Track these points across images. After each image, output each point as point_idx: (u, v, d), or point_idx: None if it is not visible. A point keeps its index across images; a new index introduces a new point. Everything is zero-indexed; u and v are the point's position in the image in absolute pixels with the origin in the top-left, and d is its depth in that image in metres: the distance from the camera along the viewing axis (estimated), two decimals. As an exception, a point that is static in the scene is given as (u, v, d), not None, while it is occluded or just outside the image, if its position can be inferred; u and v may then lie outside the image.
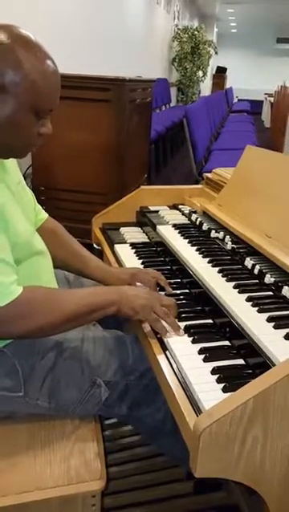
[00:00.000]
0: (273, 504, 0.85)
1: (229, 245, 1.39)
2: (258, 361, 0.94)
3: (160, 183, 4.47)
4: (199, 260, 1.33)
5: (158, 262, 1.46)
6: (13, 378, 1.06)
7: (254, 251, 1.31)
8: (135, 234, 1.66)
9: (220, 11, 14.72)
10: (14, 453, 1.04)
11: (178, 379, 0.92)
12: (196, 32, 10.02)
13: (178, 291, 1.28)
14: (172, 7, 9.42)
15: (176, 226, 1.58)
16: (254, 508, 1.24)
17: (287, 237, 1.26)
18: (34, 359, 1.08)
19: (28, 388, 1.07)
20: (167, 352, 1.01)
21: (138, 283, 1.26)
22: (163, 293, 1.23)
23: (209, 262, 1.31)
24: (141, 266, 1.40)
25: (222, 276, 1.22)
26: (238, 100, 13.98)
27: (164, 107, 7.98)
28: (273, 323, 1.01)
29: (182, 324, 1.09)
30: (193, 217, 1.64)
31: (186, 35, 9.69)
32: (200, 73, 10.26)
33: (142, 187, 1.85)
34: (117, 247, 1.55)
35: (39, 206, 1.33)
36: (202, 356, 0.98)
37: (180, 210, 1.76)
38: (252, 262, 1.26)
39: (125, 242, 1.59)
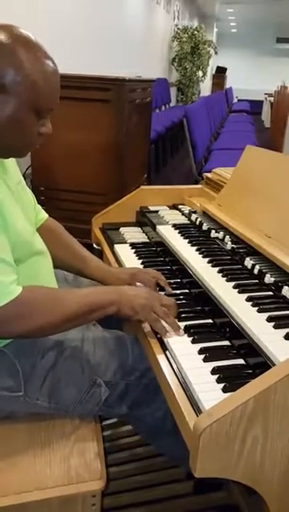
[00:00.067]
0: (273, 504, 0.85)
1: (229, 245, 1.39)
2: (258, 361, 0.94)
3: (159, 183, 4.47)
4: (199, 260, 1.33)
5: (158, 262, 1.46)
6: (13, 378, 1.06)
7: (253, 251, 1.31)
8: (135, 234, 1.66)
9: (220, 11, 14.73)
10: (14, 453, 1.04)
11: (178, 379, 0.92)
12: (196, 32, 10.02)
13: (178, 291, 1.28)
14: (171, 7, 9.42)
15: (176, 226, 1.58)
16: (254, 508, 1.24)
17: (287, 237, 1.26)
18: (34, 359, 1.08)
19: (28, 388, 1.07)
20: (167, 352, 1.01)
21: (138, 283, 1.26)
22: (163, 293, 1.23)
23: (208, 262, 1.31)
24: (141, 266, 1.40)
25: (222, 276, 1.22)
26: (238, 100, 13.97)
27: (163, 107, 7.98)
28: (273, 323, 1.01)
29: (182, 324, 1.09)
30: (193, 217, 1.64)
31: (186, 35, 9.69)
32: (200, 73, 10.26)
33: (142, 187, 1.85)
34: (117, 247, 1.55)
35: (39, 206, 1.33)
36: (202, 356, 0.98)
37: (180, 210, 1.76)
38: (252, 261, 1.26)
39: (125, 242, 1.59)
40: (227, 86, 13.64)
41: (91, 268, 1.31)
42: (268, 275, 1.18)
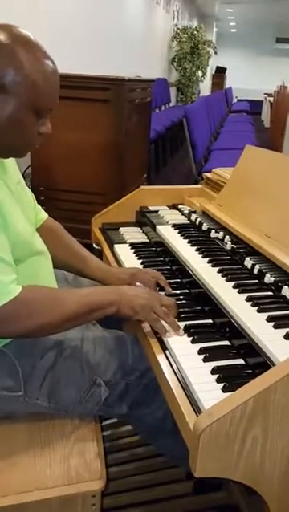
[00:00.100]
0: (273, 504, 0.85)
1: (229, 245, 1.39)
2: (257, 361, 0.94)
3: (159, 183, 4.47)
4: (199, 260, 1.33)
5: (158, 262, 1.46)
6: (13, 378, 1.06)
7: (253, 251, 1.31)
8: (134, 234, 1.66)
9: (219, 11, 14.73)
10: (14, 453, 1.04)
11: (178, 379, 0.92)
12: (195, 32, 10.02)
13: (178, 291, 1.28)
14: (171, 7, 9.42)
15: (175, 226, 1.58)
16: (254, 508, 1.24)
17: (287, 237, 1.26)
18: (34, 359, 1.08)
19: (28, 388, 1.07)
20: (167, 352, 1.01)
21: (138, 283, 1.26)
22: (163, 293, 1.23)
23: (208, 262, 1.31)
24: (141, 266, 1.40)
25: (222, 276, 1.22)
26: (238, 100, 13.97)
27: (163, 107, 7.98)
28: (273, 323, 1.00)
29: (182, 324, 1.09)
30: (193, 217, 1.64)
31: (186, 35, 9.69)
32: (199, 73, 10.26)
33: (142, 187, 1.85)
34: (117, 247, 1.55)
35: (39, 206, 1.33)
36: (202, 356, 0.98)
37: (179, 210, 1.76)
38: (252, 261, 1.26)
39: (125, 242, 1.59)
40: (227, 86, 13.64)
41: (90, 268, 1.30)
42: (268, 275, 1.18)
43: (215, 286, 1.17)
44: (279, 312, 1.05)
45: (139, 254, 1.50)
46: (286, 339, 0.96)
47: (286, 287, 1.12)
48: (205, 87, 12.97)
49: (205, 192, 1.82)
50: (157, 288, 1.26)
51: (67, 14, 3.98)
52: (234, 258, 1.34)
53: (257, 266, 1.23)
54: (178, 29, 9.85)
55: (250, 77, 17.36)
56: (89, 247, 1.46)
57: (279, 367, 0.80)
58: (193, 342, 1.03)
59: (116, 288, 1.13)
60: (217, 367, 0.94)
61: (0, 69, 0.91)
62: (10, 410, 1.11)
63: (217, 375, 0.91)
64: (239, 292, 1.14)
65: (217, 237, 1.46)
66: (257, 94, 13.89)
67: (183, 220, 1.67)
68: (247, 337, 0.98)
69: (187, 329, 1.07)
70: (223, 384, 0.89)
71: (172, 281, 1.32)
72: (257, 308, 1.06)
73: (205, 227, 1.53)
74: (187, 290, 1.29)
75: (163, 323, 1.06)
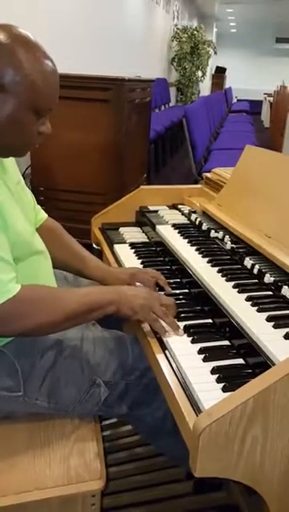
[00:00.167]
0: (273, 504, 0.85)
1: (229, 245, 1.38)
2: (257, 361, 0.94)
3: (159, 183, 4.47)
4: (199, 260, 1.33)
5: (157, 262, 1.46)
6: (12, 377, 1.06)
7: (253, 251, 1.31)
8: (134, 234, 1.66)
9: (219, 11, 14.73)
10: (14, 453, 1.04)
11: (178, 379, 0.92)
12: (195, 32, 10.03)
13: (178, 291, 1.28)
14: (171, 7, 9.42)
15: (175, 226, 1.58)
16: (254, 508, 1.24)
17: (287, 237, 1.26)
18: (33, 359, 1.08)
19: (27, 388, 1.07)
20: (166, 352, 1.01)
21: (137, 283, 1.26)
22: (162, 293, 1.23)
23: (208, 262, 1.31)
24: (141, 266, 1.40)
25: (222, 276, 1.22)
26: (238, 100, 13.98)
27: (163, 107, 7.98)
28: (272, 323, 1.00)
29: (182, 324, 1.09)
30: (193, 216, 1.64)
31: (185, 35, 9.70)
32: (199, 73, 10.27)
33: (141, 187, 1.85)
34: (116, 247, 1.55)
35: (39, 206, 1.33)
36: (202, 356, 0.98)
37: (179, 210, 1.76)
38: (251, 261, 1.26)
39: (125, 242, 1.59)
40: (227, 86, 13.64)
41: (90, 268, 1.30)
42: (268, 275, 1.18)
43: (215, 286, 1.16)
44: (279, 312, 1.05)
45: (139, 254, 1.50)
46: (286, 338, 0.96)
47: (285, 287, 1.12)
48: (204, 87, 12.98)
49: (205, 192, 1.82)
50: (157, 288, 1.26)
51: (67, 14, 3.98)
52: (233, 257, 1.34)
53: (257, 266, 1.23)
54: (178, 29, 9.86)
55: (250, 77, 17.37)
56: (89, 247, 1.46)
57: (279, 367, 0.80)
58: (192, 342, 1.03)
59: (115, 288, 1.13)
60: (217, 367, 0.94)
61: None
62: (10, 410, 1.11)
63: (217, 375, 0.91)
64: (239, 292, 1.14)
65: (216, 237, 1.46)
66: (257, 94, 13.90)
67: (183, 220, 1.67)
68: (247, 337, 0.98)
69: (187, 329, 1.07)
70: (223, 383, 0.89)
71: (171, 281, 1.32)
72: (257, 308, 1.06)
73: (204, 227, 1.53)
74: (187, 290, 1.29)
75: (162, 322, 1.06)
